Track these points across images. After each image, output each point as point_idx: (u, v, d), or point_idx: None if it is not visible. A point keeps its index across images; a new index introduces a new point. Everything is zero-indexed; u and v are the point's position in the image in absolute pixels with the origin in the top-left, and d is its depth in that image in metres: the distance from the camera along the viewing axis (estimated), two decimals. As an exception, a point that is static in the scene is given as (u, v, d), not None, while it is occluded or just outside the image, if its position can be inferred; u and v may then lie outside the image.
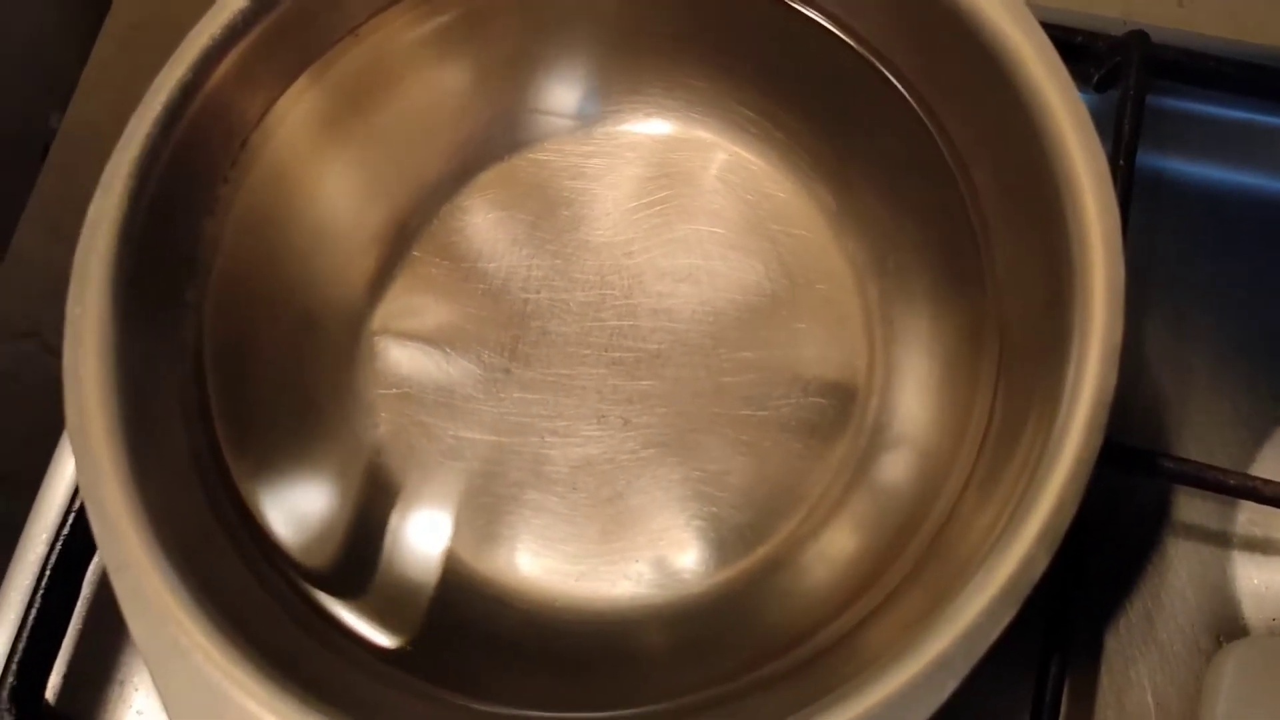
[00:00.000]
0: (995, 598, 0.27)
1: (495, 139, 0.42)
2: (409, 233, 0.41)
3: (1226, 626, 0.39)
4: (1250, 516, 0.40)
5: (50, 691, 0.39)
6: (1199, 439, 0.41)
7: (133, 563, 0.30)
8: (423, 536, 0.38)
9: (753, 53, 0.40)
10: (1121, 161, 0.40)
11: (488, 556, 0.38)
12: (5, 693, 0.36)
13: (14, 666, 0.37)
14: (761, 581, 0.37)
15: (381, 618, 0.36)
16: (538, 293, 0.41)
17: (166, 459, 0.33)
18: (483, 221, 0.42)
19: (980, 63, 0.33)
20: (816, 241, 0.40)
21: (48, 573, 0.38)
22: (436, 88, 0.41)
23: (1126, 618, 0.39)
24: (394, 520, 0.38)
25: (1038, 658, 0.36)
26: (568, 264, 0.41)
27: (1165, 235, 0.43)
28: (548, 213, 0.42)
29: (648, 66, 0.41)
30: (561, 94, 0.42)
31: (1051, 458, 0.28)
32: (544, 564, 0.38)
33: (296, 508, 0.37)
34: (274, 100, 0.38)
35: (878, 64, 0.37)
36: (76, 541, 0.38)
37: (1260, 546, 0.39)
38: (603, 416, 0.39)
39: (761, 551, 0.38)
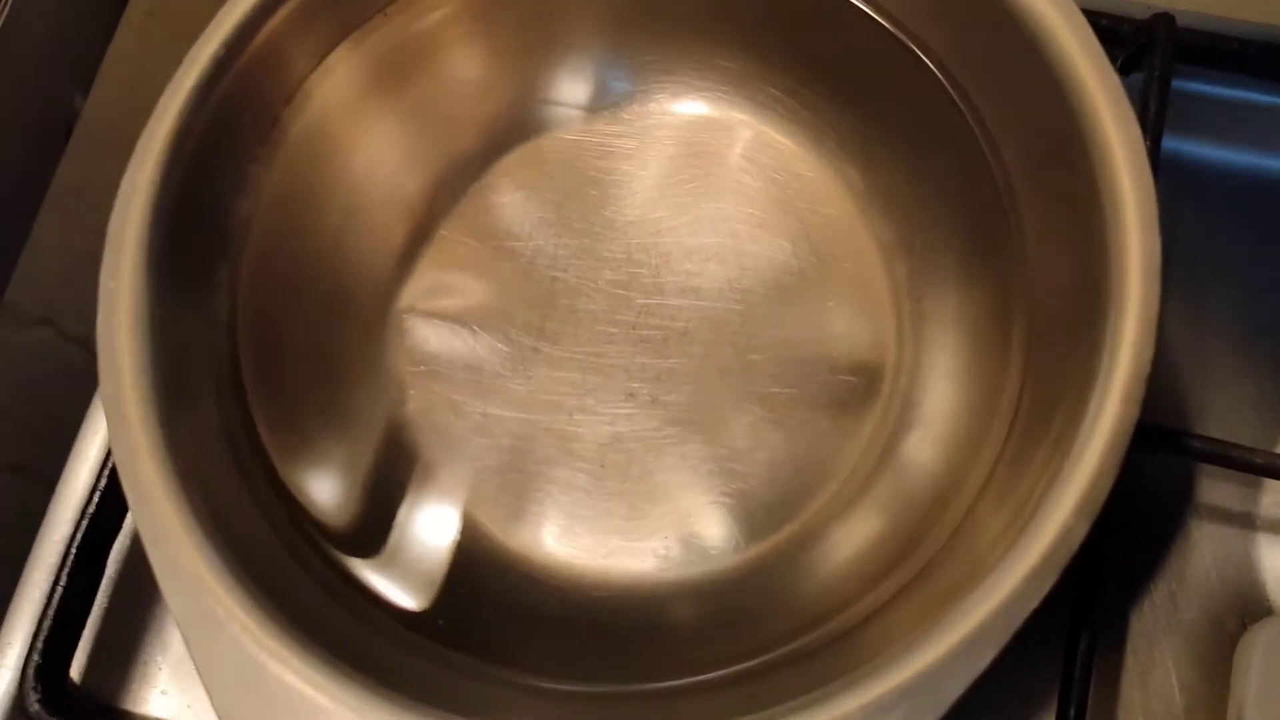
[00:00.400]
0: (1034, 567, 0.27)
1: (523, 118, 0.42)
2: (437, 211, 0.41)
3: (1251, 608, 0.39)
4: (1275, 498, 0.40)
5: (75, 670, 0.39)
6: (1221, 421, 0.41)
7: (169, 535, 0.30)
8: (451, 512, 0.38)
9: (781, 31, 0.40)
10: (1147, 144, 0.39)
11: (516, 533, 0.38)
12: (31, 671, 0.36)
13: (39, 645, 0.37)
14: (790, 558, 0.37)
15: (411, 590, 0.36)
16: (566, 271, 0.41)
17: (200, 431, 0.33)
18: (511, 200, 0.42)
19: (1011, 37, 0.33)
20: (844, 220, 0.40)
21: (73, 552, 0.38)
22: (465, 66, 0.41)
23: (1151, 599, 0.39)
24: (423, 497, 0.38)
25: (1065, 637, 0.36)
26: (595, 243, 0.41)
27: (1189, 218, 0.43)
28: (576, 192, 0.42)
29: (677, 46, 0.42)
30: (590, 73, 0.42)
31: (1089, 428, 0.28)
32: (572, 540, 0.38)
33: (326, 482, 0.37)
34: (304, 78, 0.38)
35: (907, 41, 0.37)
36: (102, 521, 0.38)
37: (1285, 528, 0.39)
38: (631, 394, 0.39)
39: (789, 529, 0.38)
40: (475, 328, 0.40)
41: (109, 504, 0.38)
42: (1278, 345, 0.42)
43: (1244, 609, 0.39)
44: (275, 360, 0.37)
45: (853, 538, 0.37)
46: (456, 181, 0.42)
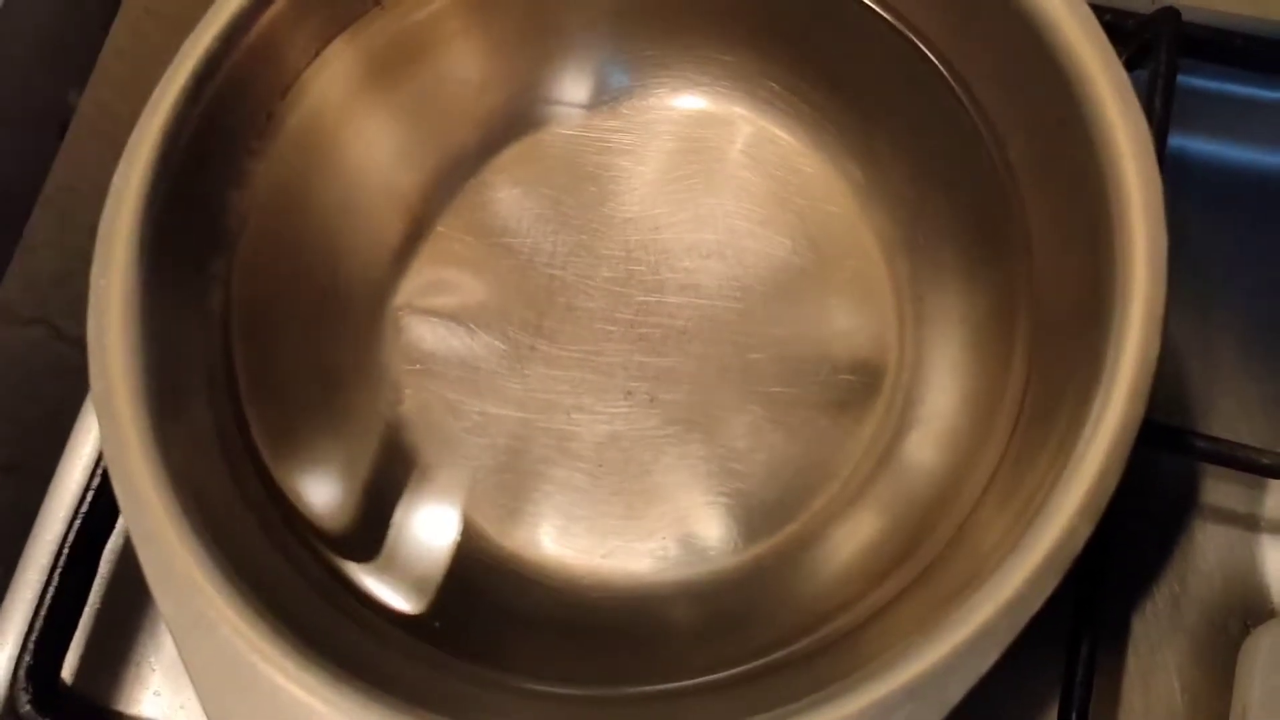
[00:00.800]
0: (1038, 567, 0.27)
1: (520, 113, 0.42)
2: (434, 207, 0.41)
3: (1254, 611, 0.39)
4: (1278, 499, 0.39)
5: (67, 671, 0.38)
6: (1225, 421, 0.41)
7: (159, 534, 0.29)
8: (447, 512, 0.38)
9: (781, 25, 0.40)
10: (1152, 140, 0.39)
11: (512, 533, 0.38)
12: (22, 671, 0.36)
13: (31, 645, 0.36)
14: (790, 559, 0.37)
15: (406, 592, 0.35)
16: (563, 268, 0.41)
17: (192, 430, 0.33)
18: (508, 196, 0.41)
19: (1015, 30, 0.32)
20: (845, 217, 0.40)
21: (65, 552, 0.37)
22: (462, 61, 0.41)
23: (1153, 601, 0.39)
24: (418, 496, 0.38)
25: (1067, 639, 0.35)
26: (593, 239, 0.41)
27: (1193, 215, 0.43)
28: (573, 188, 0.42)
29: (676, 40, 0.41)
30: (588, 68, 0.42)
31: (1094, 425, 0.28)
32: (569, 541, 0.38)
33: (320, 481, 0.37)
34: (300, 72, 0.37)
35: (909, 34, 0.36)
36: (95, 520, 0.38)
37: (1289, 529, 0.39)
38: (629, 393, 0.39)
39: (790, 529, 0.37)
40: (472, 325, 0.40)
41: (101, 503, 0.38)
42: (1282, 342, 0.41)
43: (1247, 611, 0.39)
44: (269, 358, 0.37)
45: (854, 538, 0.36)
46: (453, 177, 0.41)
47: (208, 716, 0.28)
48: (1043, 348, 0.34)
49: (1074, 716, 0.34)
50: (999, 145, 0.35)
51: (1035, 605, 0.27)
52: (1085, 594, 0.36)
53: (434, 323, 0.40)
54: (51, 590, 0.37)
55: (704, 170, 0.41)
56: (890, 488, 0.37)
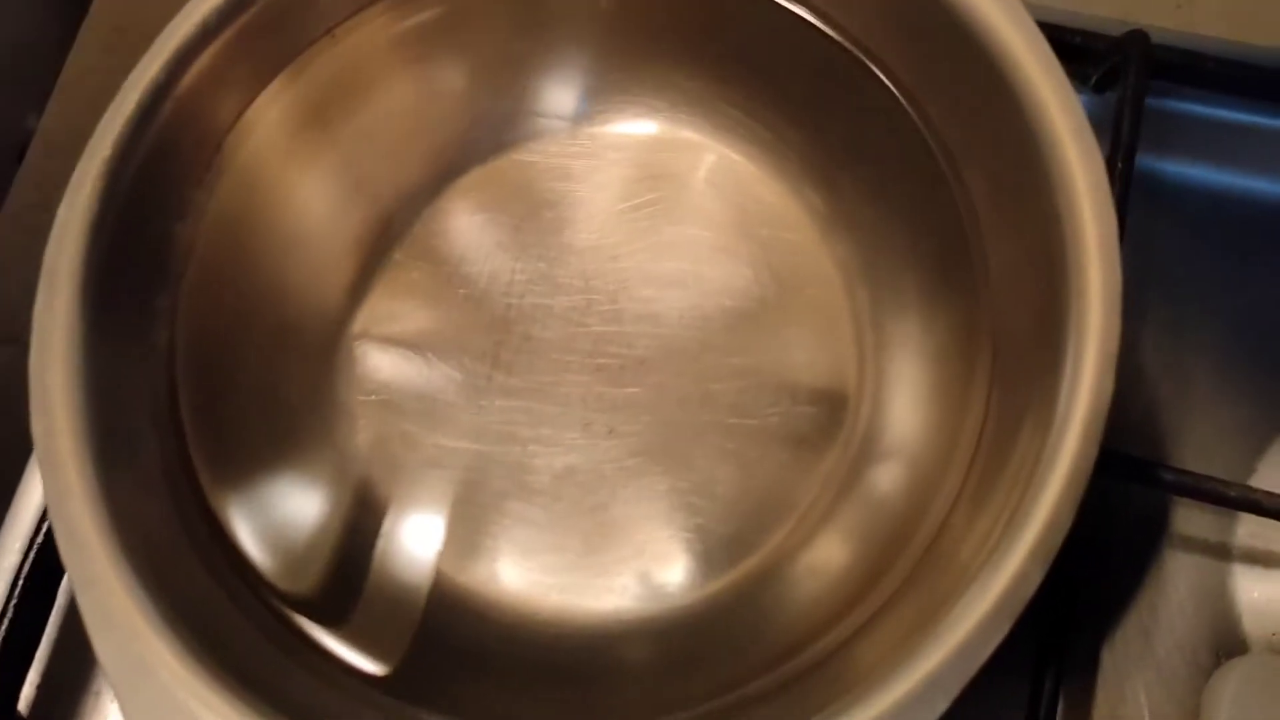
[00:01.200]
0: (987, 615, 0.27)
1: (478, 140, 0.41)
2: (390, 236, 0.41)
3: (1225, 642, 0.38)
4: (1250, 529, 0.39)
5: (23, 703, 0.38)
6: (1198, 449, 0.40)
7: (98, 578, 0.29)
8: (402, 548, 0.38)
9: (742, 52, 0.39)
10: (1120, 163, 0.39)
11: (469, 568, 0.37)
12: (-23, 704, 0.36)
13: (-14, 677, 0.36)
14: (749, 595, 0.36)
15: (358, 634, 0.35)
16: (521, 297, 0.40)
17: (136, 471, 0.32)
18: (466, 224, 0.41)
19: (974, 62, 0.32)
20: (805, 245, 0.40)
21: (21, 581, 0.37)
22: (417, 88, 0.41)
23: (1123, 632, 0.38)
24: (372, 531, 0.38)
25: (1031, 673, 0.35)
26: (552, 268, 0.41)
27: (1164, 238, 0.43)
28: (532, 215, 0.41)
29: (635, 66, 0.41)
30: (546, 94, 0.42)
31: (1046, 470, 0.28)
32: (526, 576, 0.37)
33: (271, 520, 0.36)
34: (249, 102, 0.37)
35: (868, 63, 0.36)
36: (51, 550, 0.37)
37: (1260, 560, 0.39)
38: (587, 424, 0.39)
39: (749, 564, 0.37)
40: (428, 355, 0.40)
41: None
42: (1257, 369, 0.41)
43: (1218, 642, 0.38)
44: (216, 394, 0.36)
45: (813, 573, 0.36)
46: (409, 205, 0.41)
47: (145, 765, 0.28)
48: (1002, 381, 0.33)
49: (1038, 750, 0.34)
50: (957, 176, 0.34)
51: (985, 653, 0.27)
52: (1049, 629, 0.35)
53: (390, 353, 0.40)
54: (7, 621, 0.37)
55: (664, 198, 0.41)
56: (850, 521, 0.36)
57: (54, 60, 0.50)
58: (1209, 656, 0.38)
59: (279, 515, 0.37)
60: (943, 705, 0.27)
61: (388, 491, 0.38)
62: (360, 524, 0.38)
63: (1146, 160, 0.42)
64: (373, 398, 0.39)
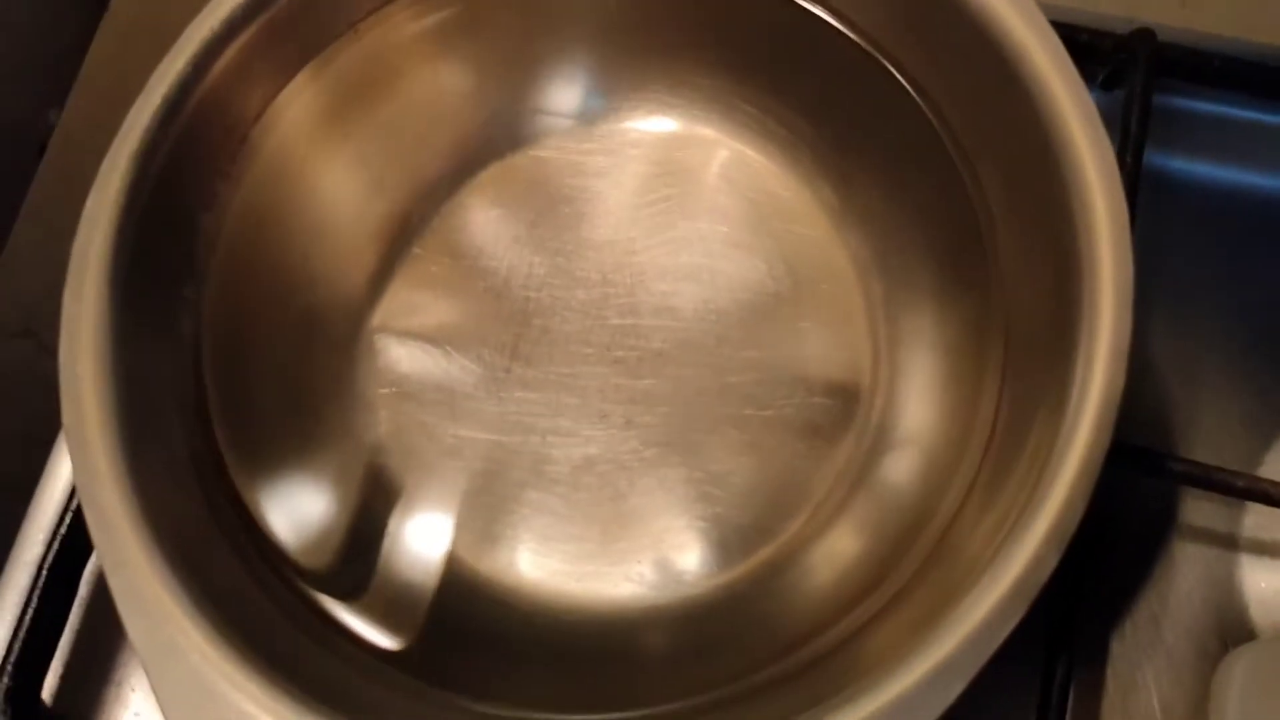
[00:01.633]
0: (1003, 599, 0.27)
1: (496, 135, 0.42)
2: (410, 230, 0.41)
3: (1233, 631, 0.38)
4: (1258, 520, 0.39)
5: (47, 692, 0.38)
6: (1206, 440, 0.41)
7: (129, 561, 0.29)
8: (422, 537, 0.38)
9: (756, 49, 0.40)
10: (1128, 160, 0.39)
11: (488, 557, 0.38)
12: (2, 693, 0.36)
13: (10, 667, 0.36)
14: (764, 583, 0.37)
15: (380, 618, 0.35)
16: (539, 291, 0.41)
17: (164, 457, 0.32)
18: (484, 219, 0.41)
19: (986, 58, 0.32)
20: (819, 239, 0.40)
21: (45, 573, 0.37)
22: (437, 84, 0.41)
23: (1132, 621, 0.39)
24: (393, 520, 0.38)
25: (1043, 661, 0.35)
26: (569, 262, 0.41)
27: (1171, 235, 0.43)
28: (549, 210, 0.42)
29: (650, 63, 0.41)
30: (563, 90, 0.42)
31: (1060, 457, 0.28)
32: (545, 565, 0.38)
33: (294, 507, 0.37)
34: (273, 96, 0.37)
35: (882, 59, 0.36)
36: (74, 541, 0.38)
37: (1269, 550, 0.39)
38: (605, 416, 0.39)
39: (764, 553, 0.37)
40: (448, 348, 0.40)
41: (81, 525, 0.37)
42: (1263, 362, 0.41)
43: (1226, 631, 0.38)
44: (242, 382, 0.37)
45: (828, 561, 0.36)
46: (429, 199, 0.41)
47: (176, 744, 0.28)
48: (1015, 373, 0.34)
49: (1049, 738, 0.34)
50: (971, 172, 0.35)
51: (1000, 637, 0.27)
52: (1061, 617, 0.36)
53: (410, 345, 0.40)
54: (31, 612, 0.37)
55: (679, 193, 0.41)
56: (865, 510, 0.37)
57: (75, 55, 0.50)
58: (1217, 646, 0.38)
59: (303, 502, 0.37)
60: (959, 688, 0.27)
61: (408, 481, 0.39)
62: (381, 512, 0.38)
63: (1154, 157, 0.43)
64: (392, 390, 0.40)
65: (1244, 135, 0.44)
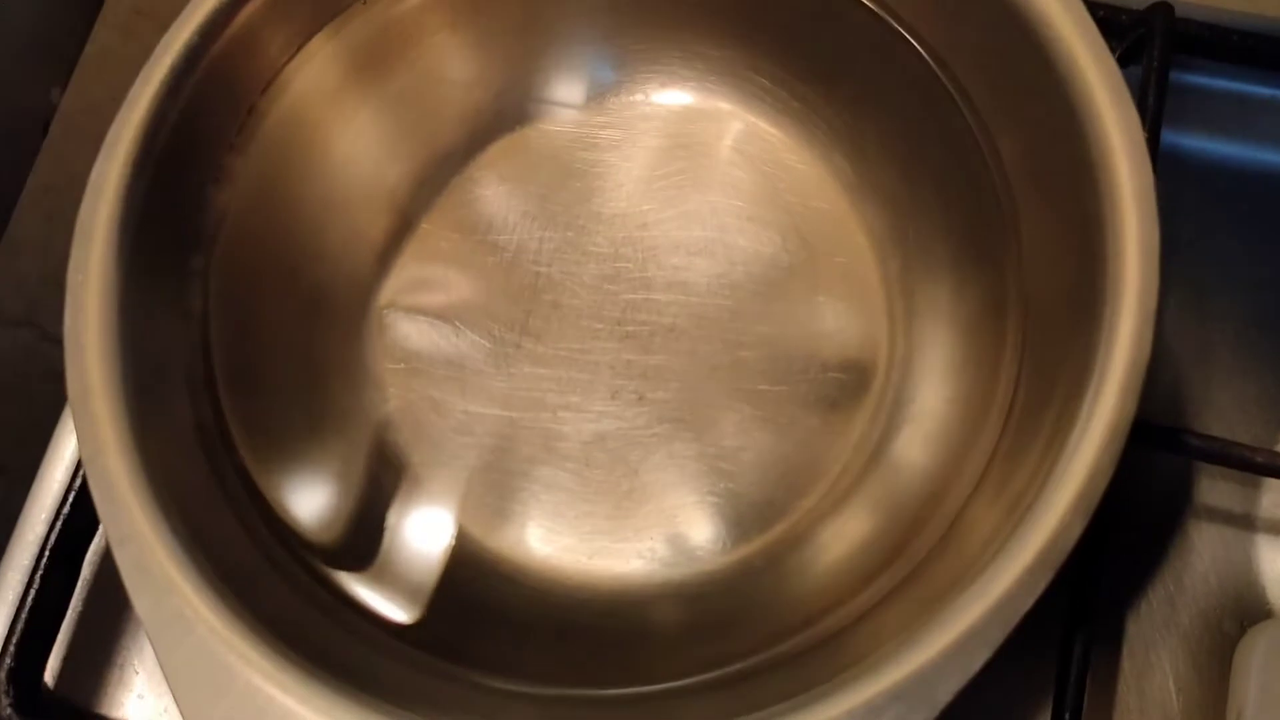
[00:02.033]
0: (1029, 566, 0.27)
1: (506, 109, 0.42)
2: (419, 204, 0.41)
3: (1250, 611, 0.38)
4: (1275, 499, 0.39)
5: (49, 674, 0.38)
6: (1221, 419, 0.40)
7: (136, 535, 0.29)
8: (432, 513, 0.38)
9: (770, 20, 0.39)
10: (1145, 136, 0.39)
11: (499, 533, 0.38)
12: (3, 674, 0.36)
13: (12, 649, 0.36)
14: (778, 559, 0.36)
15: (389, 593, 0.35)
16: (549, 266, 0.40)
17: (170, 430, 0.32)
18: (493, 193, 0.41)
19: (1007, 25, 0.32)
20: (835, 213, 0.40)
21: (47, 554, 0.37)
22: (446, 56, 0.41)
23: (1148, 601, 0.38)
24: (403, 496, 0.38)
25: (1060, 640, 0.35)
26: (580, 236, 0.41)
27: (1187, 212, 0.43)
28: (560, 184, 0.41)
29: (663, 35, 0.41)
30: (574, 63, 0.42)
31: (1086, 422, 0.28)
32: (556, 541, 0.37)
33: (303, 481, 0.36)
34: (281, 67, 0.37)
35: (899, 29, 0.36)
36: (77, 522, 0.37)
37: (1285, 529, 0.39)
38: (616, 391, 0.39)
39: (778, 529, 0.37)
40: (457, 323, 0.40)
41: (84, 505, 0.37)
42: (1278, 340, 0.41)
43: (1243, 611, 0.38)
44: (250, 356, 0.36)
45: (843, 537, 0.36)
46: (438, 173, 0.41)
47: (184, 717, 0.28)
48: (1034, 343, 0.33)
49: (1067, 717, 0.34)
50: (989, 140, 0.35)
51: (1026, 605, 0.27)
52: (1078, 594, 0.35)
53: (419, 321, 0.40)
54: (33, 593, 0.37)
55: (692, 166, 0.41)
56: (880, 486, 0.36)
57: (78, 35, 0.50)
58: (1234, 626, 0.38)
59: (311, 476, 0.37)
60: (984, 655, 0.27)
61: (418, 457, 0.38)
62: (391, 488, 0.38)
63: (1170, 134, 0.42)
64: (402, 365, 0.39)
65: (1262, 112, 0.44)
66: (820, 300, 0.39)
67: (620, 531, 0.37)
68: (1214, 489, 0.39)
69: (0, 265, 0.49)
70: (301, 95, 0.37)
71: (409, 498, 0.38)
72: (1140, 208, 0.29)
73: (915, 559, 0.33)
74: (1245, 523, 0.39)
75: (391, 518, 0.37)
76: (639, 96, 0.42)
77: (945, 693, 0.26)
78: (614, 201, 0.41)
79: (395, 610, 0.35)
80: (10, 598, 0.39)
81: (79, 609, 0.39)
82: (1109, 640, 0.38)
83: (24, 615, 0.36)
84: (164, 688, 0.38)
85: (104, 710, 0.39)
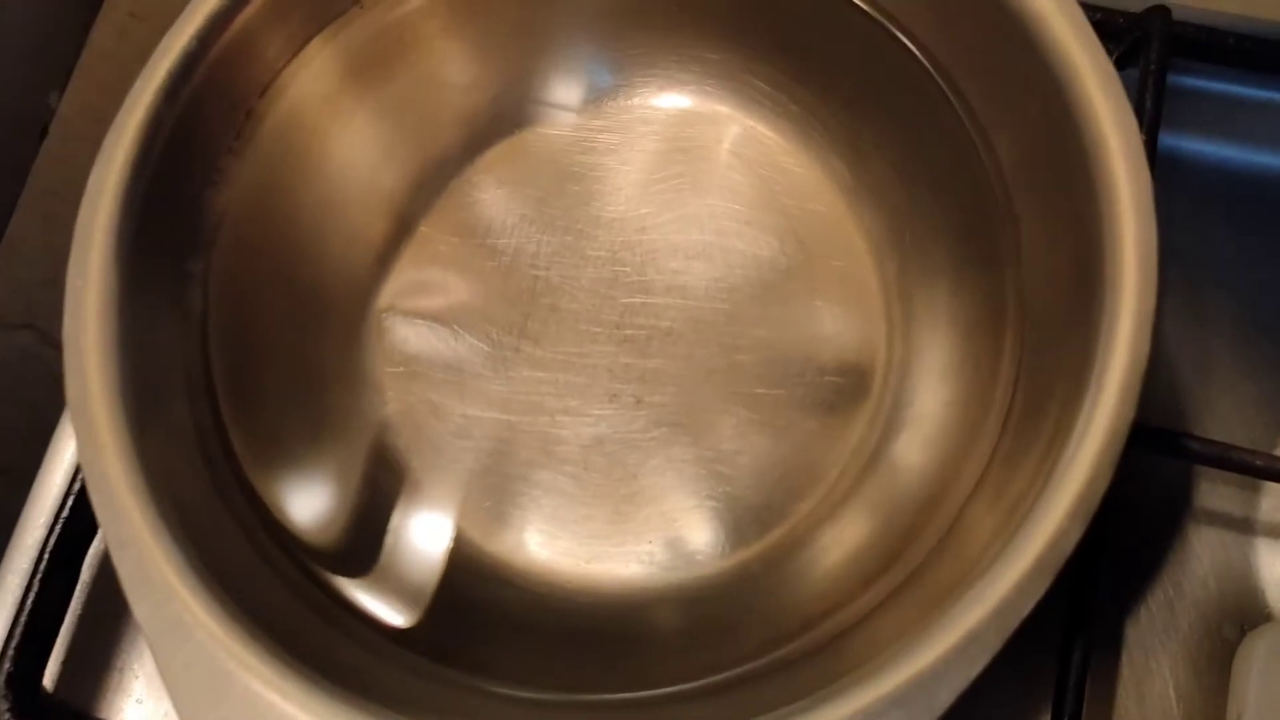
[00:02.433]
0: (1027, 571, 0.27)
1: (504, 112, 0.42)
2: (417, 208, 0.41)
3: (1250, 615, 0.38)
4: (1275, 502, 0.39)
5: (48, 678, 0.38)
6: (1221, 422, 0.40)
7: (134, 539, 0.29)
8: (431, 517, 0.38)
9: (767, 23, 0.39)
10: (1143, 139, 0.39)
11: (497, 537, 0.38)
12: (2, 678, 0.36)
13: (11, 652, 0.36)
14: (777, 563, 0.36)
15: (388, 597, 0.35)
16: (548, 269, 0.40)
17: (170, 433, 0.32)
18: (491, 197, 0.41)
19: (1003, 27, 0.32)
20: (833, 216, 0.40)
21: (46, 557, 0.37)
22: (444, 60, 0.41)
23: (1147, 606, 0.38)
24: (401, 500, 0.38)
25: (1059, 645, 0.35)
26: (579, 240, 0.41)
27: (1185, 215, 0.43)
28: (558, 188, 0.41)
29: (660, 38, 0.41)
30: (572, 67, 0.42)
31: (1084, 427, 0.28)
32: (555, 545, 0.37)
33: (302, 485, 0.36)
34: (279, 71, 0.37)
35: (896, 32, 0.36)
36: (76, 525, 0.37)
37: (1284, 533, 0.39)
38: (614, 395, 0.39)
39: (777, 533, 0.37)
40: (455, 327, 0.40)
41: (83, 508, 0.37)
42: (1277, 343, 0.41)
43: (1243, 616, 0.38)
44: (248, 360, 0.36)
45: (841, 541, 0.36)
46: (436, 177, 0.41)
47: (182, 722, 0.27)
48: (1032, 346, 0.33)
49: (1067, 721, 0.34)
50: (987, 144, 0.34)
51: (1025, 610, 0.27)
52: (1077, 598, 0.35)
53: (418, 324, 0.40)
54: (32, 596, 0.37)
55: (690, 170, 0.41)
56: (878, 490, 0.36)
57: (76, 39, 0.50)
58: (1233, 630, 0.38)
59: (310, 480, 0.37)
60: (983, 661, 0.26)
61: (417, 460, 0.38)
62: (390, 491, 0.38)
63: (1167, 137, 0.42)
64: (400, 369, 0.39)
65: (1259, 115, 0.44)
66: (818, 304, 0.39)
67: (619, 535, 0.37)
68: (1214, 493, 0.39)
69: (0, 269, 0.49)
70: (299, 99, 0.37)
71: (407, 502, 0.38)
72: (1138, 211, 0.29)
73: (913, 563, 0.33)
74: (1245, 527, 0.39)
75: (390, 522, 0.37)
76: (637, 100, 0.42)
77: (944, 698, 0.26)
78: (612, 205, 0.41)
79: (393, 614, 0.35)
80: (9, 601, 0.39)
81: (78, 612, 0.39)
82: (1108, 645, 0.38)
83: (23, 619, 0.36)
84: (163, 692, 0.38)
85: (103, 714, 0.39)
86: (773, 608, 0.35)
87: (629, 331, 0.39)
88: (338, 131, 0.39)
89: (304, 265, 0.39)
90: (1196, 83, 0.44)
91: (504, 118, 0.42)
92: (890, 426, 0.37)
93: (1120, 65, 0.42)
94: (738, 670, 0.33)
